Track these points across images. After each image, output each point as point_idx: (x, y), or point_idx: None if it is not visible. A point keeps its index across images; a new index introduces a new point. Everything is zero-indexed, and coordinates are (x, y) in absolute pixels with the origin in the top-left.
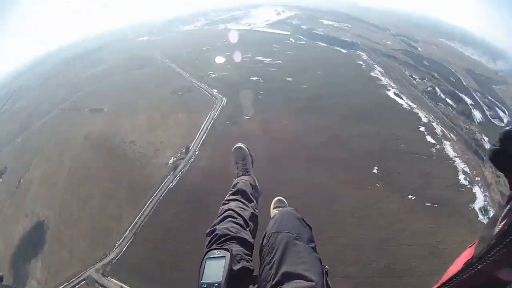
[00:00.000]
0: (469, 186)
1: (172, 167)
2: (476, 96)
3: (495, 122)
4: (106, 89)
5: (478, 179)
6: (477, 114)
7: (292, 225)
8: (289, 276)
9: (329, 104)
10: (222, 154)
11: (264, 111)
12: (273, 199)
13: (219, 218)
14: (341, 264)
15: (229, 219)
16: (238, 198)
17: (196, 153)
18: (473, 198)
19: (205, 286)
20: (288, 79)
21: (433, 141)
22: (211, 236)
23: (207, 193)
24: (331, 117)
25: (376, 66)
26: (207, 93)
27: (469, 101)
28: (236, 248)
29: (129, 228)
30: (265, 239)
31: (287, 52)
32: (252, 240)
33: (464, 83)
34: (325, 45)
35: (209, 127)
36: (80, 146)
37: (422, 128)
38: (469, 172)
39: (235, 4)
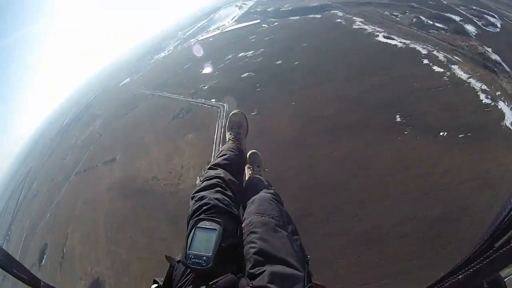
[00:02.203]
0: (493, 104)
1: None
2: (461, 11)
3: (490, 30)
4: (111, 139)
5: (499, 93)
6: (470, 28)
7: (275, 212)
8: (272, 259)
9: (326, 72)
10: None
11: (267, 102)
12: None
13: (206, 183)
14: (395, 225)
15: (219, 188)
16: (227, 167)
17: None
18: (502, 115)
19: (192, 257)
20: (277, 62)
21: (442, 70)
22: (201, 203)
23: None
24: (334, 83)
25: (355, 18)
26: (206, 105)
27: (457, 18)
28: (226, 222)
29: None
30: (245, 220)
31: (265, 38)
32: (239, 217)
33: (444, 2)
34: (298, 17)
35: (222, 136)
36: (107, 200)
37: (425, 61)
38: (487, 89)
39: (196, 16)
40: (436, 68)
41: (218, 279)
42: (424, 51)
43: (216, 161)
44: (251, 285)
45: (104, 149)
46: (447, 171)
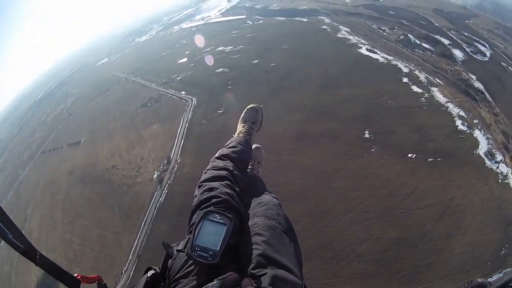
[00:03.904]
0: (468, 131)
1: (158, 181)
2: (451, 35)
3: (478, 58)
4: (79, 121)
5: (476, 121)
6: (457, 53)
7: (281, 218)
8: (274, 263)
9: (302, 77)
10: (203, 156)
11: (236, 101)
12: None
13: (215, 173)
14: (351, 243)
15: (228, 182)
16: (236, 161)
17: (178, 161)
18: (476, 143)
19: (198, 249)
20: (254, 61)
21: (420, 90)
22: (210, 194)
23: None
24: (308, 89)
25: (341, 27)
26: (176, 97)
27: (446, 41)
28: (235, 219)
29: (132, 252)
30: (251, 220)
31: (247, 35)
32: (245, 216)
33: (436, 24)
34: (284, 18)
35: (185, 132)
36: (66, 184)
37: (405, 79)
38: (465, 115)
39: (186, 3)
40: (415, 88)
41: (225, 275)
42: (405, 69)
43: (226, 152)
44: (254, 286)
45: (71, 130)
46: (411, 194)
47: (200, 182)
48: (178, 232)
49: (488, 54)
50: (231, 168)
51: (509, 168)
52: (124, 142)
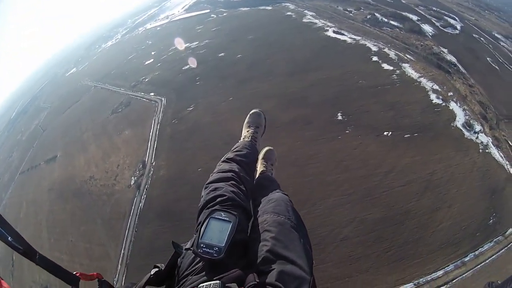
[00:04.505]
0: (444, 104)
1: (136, 187)
2: (420, 11)
3: (449, 31)
4: (53, 135)
5: (451, 94)
6: (427, 28)
7: (291, 214)
8: (283, 259)
9: (269, 66)
10: (177, 156)
11: (205, 96)
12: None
13: (221, 175)
14: (335, 227)
15: (234, 182)
16: (242, 164)
17: (153, 164)
18: (452, 115)
19: (203, 246)
20: (220, 55)
21: (391, 68)
22: (215, 194)
23: (175, 200)
24: (276, 77)
25: (306, 11)
26: (145, 100)
27: (414, 17)
28: (241, 216)
29: (119, 262)
30: (260, 217)
31: (211, 29)
32: (252, 213)
33: (403, 1)
34: (248, 9)
35: (157, 133)
36: (48, 201)
37: (375, 58)
38: (439, 89)
39: (149, 3)
40: (386, 66)
41: (225, 274)
42: (374, 48)
43: (231, 156)
44: (256, 281)
45: (47, 146)
46: (390, 172)
47: (206, 184)
48: (162, 237)
49: (459, 27)
50: (237, 170)
51: (489, 138)
52: (99, 151)
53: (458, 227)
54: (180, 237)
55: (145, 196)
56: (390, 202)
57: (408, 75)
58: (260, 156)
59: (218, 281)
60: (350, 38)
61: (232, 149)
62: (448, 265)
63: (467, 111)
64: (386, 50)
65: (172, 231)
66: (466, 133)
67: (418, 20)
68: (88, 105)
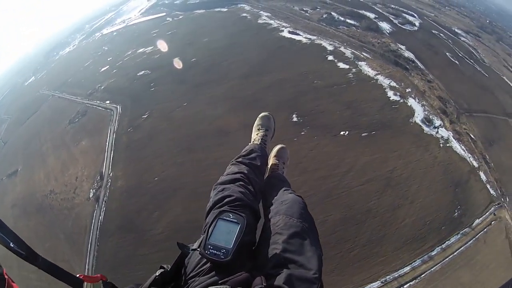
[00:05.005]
0: (402, 101)
1: (95, 199)
2: (377, 9)
3: (407, 28)
4: (13, 148)
5: (409, 90)
6: (384, 26)
7: (303, 217)
8: (293, 263)
9: (224, 69)
10: (134, 165)
11: (160, 103)
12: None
13: (229, 177)
14: None
15: (242, 183)
16: (251, 166)
17: (110, 175)
18: (411, 111)
19: (211, 247)
20: (175, 59)
21: (347, 66)
22: (223, 194)
23: (135, 212)
24: (231, 80)
25: (262, 12)
26: (101, 108)
27: (371, 15)
28: (249, 217)
29: None
30: (273, 218)
31: (167, 33)
32: (260, 214)
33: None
34: (203, 11)
35: (113, 143)
36: (12, 218)
37: (330, 57)
38: (397, 86)
39: (106, 8)
40: (341, 65)
41: (232, 277)
42: (330, 47)
43: (241, 159)
44: (264, 284)
45: (8, 160)
46: (349, 172)
47: (215, 185)
48: (124, 249)
49: (417, 24)
50: (246, 172)
51: (449, 132)
52: (58, 163)
53: (422, 222)
54: (142, 249)
55: (104, 208)
56: (350, 202)
57: (365, 73)
58: (272, 153)
59: (226, 286)
60: (306, 38)
61: (242, 152)
62: (415, 261)
63: (426, 107)
64: (342, 49)
65: (134, 243)
66: (426, 129)
67: (375, 18)
68: (47, 115)
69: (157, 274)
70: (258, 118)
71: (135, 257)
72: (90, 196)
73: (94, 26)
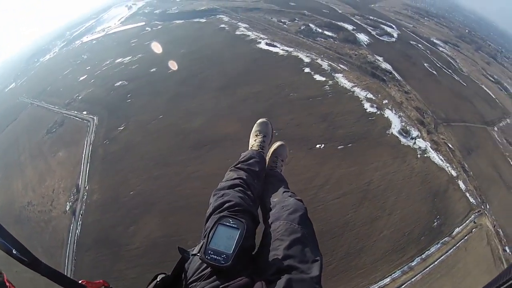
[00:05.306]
0: (378, 112)
1: (71, 212)
2: (356, 20)
3: (385, 39)
4: None
5: (386, 101)
6: (362, 37)
7: (305, 224)
8: (293, 269)
9: (201, 80)
10: (110, 179)
11: (136, 114)
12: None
13: (228, 183)
14: None
15: (241, 188)
16: (250, 172)
17: (86, 188)
18: (388, 123)
19: (211, 252)
20: (152, 70)
21: (323, 78)
22: (223, 200)
23: (111, 226)
24: (207, 93)
25: (240, 23)
26: (78, 119)
27: (349, 27)
28: (248, 223)
29: None
30: (274, 223)
31: (145, 43)
32: (259, 219)
33: (340, 11)
34: (182, 21)
35: (90, 155)
36: None
37: (307, 69)
38: (373, 97)
39: (87, 15)
40: (318, 77)
41: (231, 282)
42: (307, 59)
43: (239, 165)
44: None
45: None
46: (325, 185)
47: (214, 191)
48: (102, 264)
49: (395, 35)
50: (245, 177)
51: (427, 142)
52: (35, 174)
53: (401, 234)
54: (119, 264)
55: (80, 222)
56: (327, 215)
57: (341, 85)
58: (271, 150)
59: None
60: (283, 50)
61: (240, 158)
62: (395, 272)
63: (403, 118)
64: (319, 61)
65: (111, 258)
66: (403, 140)
67: (353, 29)
68: (25, 123)
69: (158, 279)
70: (256, 124)
71: (112, 272)
72: (67, 209)
73: (74, 33)
